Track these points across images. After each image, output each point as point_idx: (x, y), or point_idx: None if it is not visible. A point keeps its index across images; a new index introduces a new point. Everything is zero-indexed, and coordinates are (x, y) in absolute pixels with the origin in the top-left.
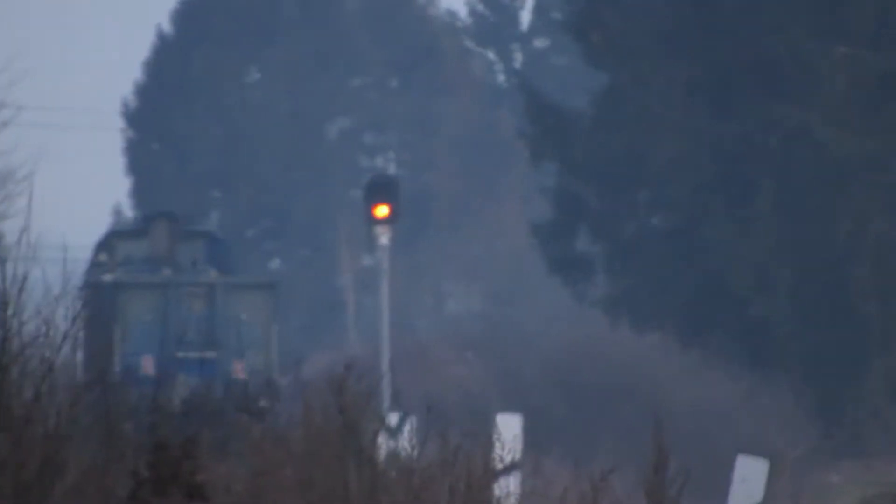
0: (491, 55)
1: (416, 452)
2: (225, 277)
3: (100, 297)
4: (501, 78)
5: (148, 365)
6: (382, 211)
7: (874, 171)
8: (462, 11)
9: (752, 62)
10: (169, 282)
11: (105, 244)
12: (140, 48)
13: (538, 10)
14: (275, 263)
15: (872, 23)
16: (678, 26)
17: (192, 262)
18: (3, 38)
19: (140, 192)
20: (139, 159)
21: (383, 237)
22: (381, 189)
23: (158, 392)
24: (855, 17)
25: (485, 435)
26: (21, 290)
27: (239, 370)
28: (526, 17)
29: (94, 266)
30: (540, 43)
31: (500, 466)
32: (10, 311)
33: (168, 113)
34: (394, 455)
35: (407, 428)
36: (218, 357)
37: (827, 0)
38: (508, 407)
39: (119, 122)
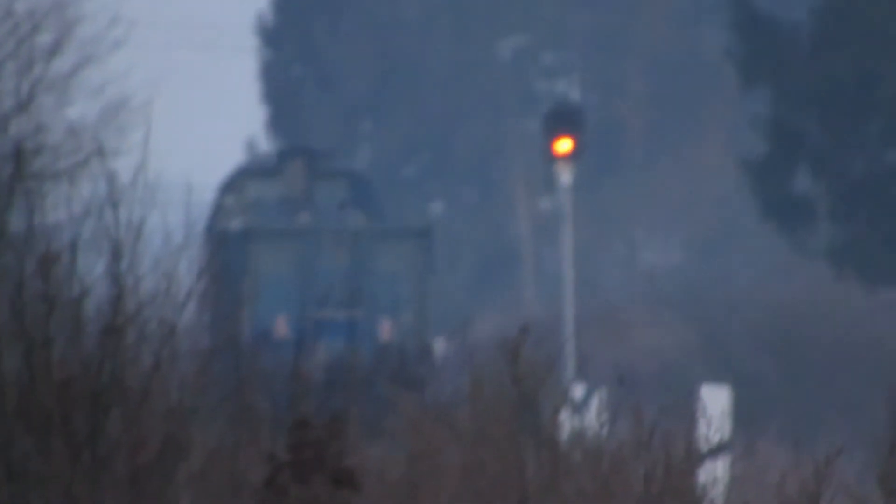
0: None
1: (605, 431)
2: (371, 223)
3: (227, 247)
4: None
5: (283, 326)
6: (564, 145)
7: None
8: None
9: None
10: (307, 229)
11: (232, 185)
12: None
13: None
14: (436, 207)
15: None
16: None
17: (336, 205)
18: None
19: (278, 124)
20: (277, 84)
21: (565, 176)
22: (562, 119)
23: (297, 359)
24: None
25: (687, 411)
26: (137, 238)
27: (387, 331)
28: None
29: (220, 211)
30: None
31: (705, 448)
32: (124, 264)
33: (311, 30)
34: (578, 435)
35: (594, 403)
36: (364, 317)
37: None
38: (715, 377)
39: (254, 41)
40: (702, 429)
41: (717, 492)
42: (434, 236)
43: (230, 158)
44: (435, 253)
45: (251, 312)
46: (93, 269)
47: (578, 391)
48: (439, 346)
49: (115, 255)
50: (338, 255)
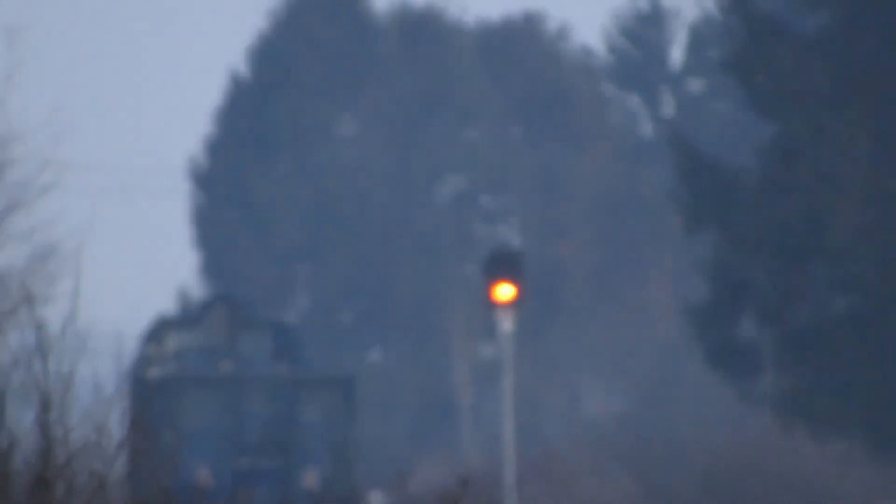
0: (635, 101)
1: None
2: (295, 372)
3: (149, 397)
4: (648, 128)
5: (206, 476)
6: (505, 291)
7: None
8: (599, 48)
9: None
10: (230, 377)
11: (154, 335)
12: (210, 94)
13: (692, 48)
14: (374, 353)
15: None
16: (862, 66)
17: (267, 354)
18: (47, 85)
19: (210, 269)
20: (210, 229)
21: (506, 323)
22: (502, 264)
23: None
24: None
25: None
26: (67, 389)
27: (312, 480)
28: (677, 56)
29: (143, 360)
30: (695, 86)
31: None
32: (54, 415)
33: (245, 173)
34: None
35: None
36: (288, 465)
37: None
38: None
39: (185, 185)
40: None
41: None
42: (356, 385)
43: (162, 305)
44: (357, 402)
45: (174, 462)
46: (21, 419)
47: None
48: (376, 498)
49: (45, 405)
50: (261, 403)
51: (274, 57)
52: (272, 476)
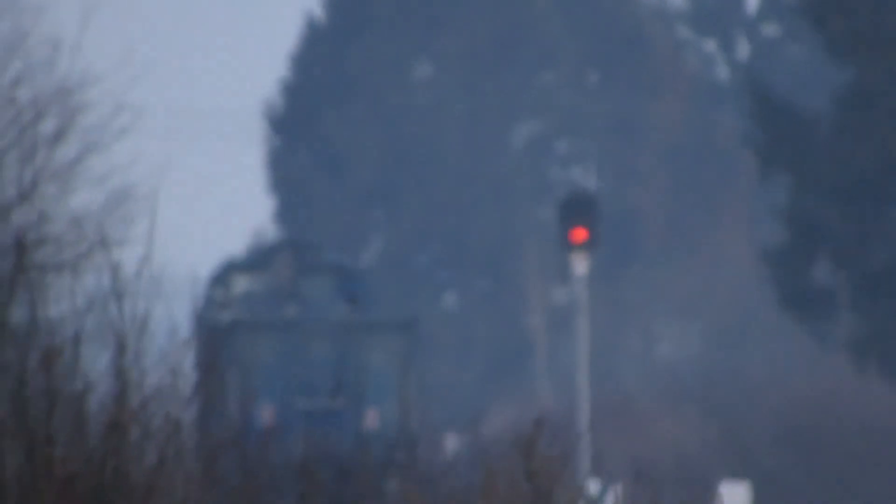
0: (710, 46)
1: None
2: (359, 315)
3: (215, 340)
4: (723, 73)
5: (270, 417)
6: (580, 234)
7: None
8: None
9: None
10: (293, 321)
11: (221, 278)
12: (287, 39)
13: None
14: (449, 297)
15: None
16: None
17: (320, 297)
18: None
19: (286, 213)
20: (286, 174)
21: (581, 266)
22: (577, 208)
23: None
24: None
25: None
26: (142, 332)
27: (372, 421)
28: (753, 0)
29: (210, 303)
30: (770, 31)
31: None
32: (129, 358)
33: (320, 117)
34: None
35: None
36: (349, 407)
37: None
38: (734, 473)
39: (262, 129)
40: None
41: None
42: (419, 329)
43: (238, 249)
44: (420, 345)
45: (241, 404)
46: (96, 363)
47: (594, 487)
48: (451, 440)
49: (120, 348)
50: (324, 346)
51: (349, 1)
52: (334, 417)
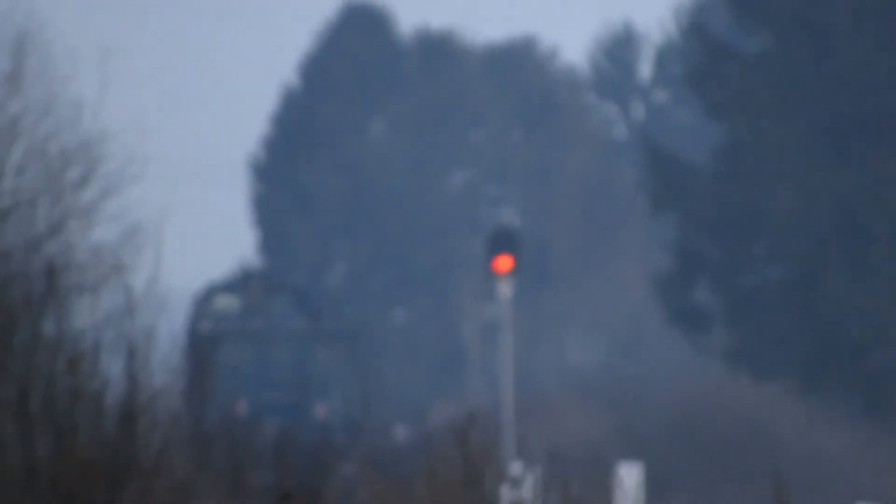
0: (611, 109)
1: (538, 502)
2: (311, 327)
3: (200, 346)
4: (621, 131)
5: (242, 406)
6: (505, 263)
7: None
8: (582, 65)
9: (870, 114)
10: (261, 330)
11: (206, 296)
12: (267, 102)
13: (658, 63)
14: (399, 313)
15: None
16: (797, 79)
17: (282, 312)
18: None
19: (267, 244)
20: (266, 212)
21: (506, 289)
22: (503, 241)
23: (280, 441)
24: None
25: (606, 484)
26: (149, 341)
27: (321, 412)
28: (646, 71)
29: (196, 316)
30: (660, 96)
31: None
32: (138, 363)
33: (294, 166)
34: None
35: (530, 478)
36: (302, 400)
37: None
38: (630, 456)
39: (247, 176)
40: (619, 500)
41: None
42: (361, 338)
43: (227, 274)
44: (362, 351)
45: (219, 397)
46: (112, 367)
47: (517, 468)
48: (401, 430)
49: (131, 354)
50: (285, 351)
51: (319, 71)
52: (292, 408)
